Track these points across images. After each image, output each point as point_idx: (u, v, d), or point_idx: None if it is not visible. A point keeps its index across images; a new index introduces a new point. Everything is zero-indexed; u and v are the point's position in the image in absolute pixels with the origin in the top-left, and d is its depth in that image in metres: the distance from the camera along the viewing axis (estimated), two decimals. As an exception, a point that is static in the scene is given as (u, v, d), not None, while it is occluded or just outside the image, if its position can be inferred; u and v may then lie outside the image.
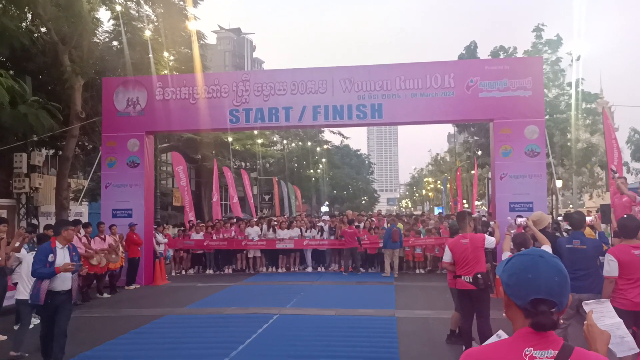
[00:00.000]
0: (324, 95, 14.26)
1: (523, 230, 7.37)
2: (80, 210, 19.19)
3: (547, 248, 6.05)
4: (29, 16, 17.42)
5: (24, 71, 16.63)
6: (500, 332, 1.92)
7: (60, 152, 19.72)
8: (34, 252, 7.02)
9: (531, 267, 1.64)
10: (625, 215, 6.39)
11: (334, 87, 14.24)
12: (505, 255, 6.17)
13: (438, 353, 7.17)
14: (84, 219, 18.72)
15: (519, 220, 7.37)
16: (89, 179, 18.06)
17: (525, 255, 1.71)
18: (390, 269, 15.54)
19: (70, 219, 15.48)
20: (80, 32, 16.63)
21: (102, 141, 15.19)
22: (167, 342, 7.87)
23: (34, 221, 18.80)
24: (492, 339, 1.84)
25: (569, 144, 26.29)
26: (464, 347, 6.77)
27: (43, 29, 17.36)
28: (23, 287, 7.80)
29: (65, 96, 17.41)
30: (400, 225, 16.78)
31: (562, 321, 1.55)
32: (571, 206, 37.69)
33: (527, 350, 1.57)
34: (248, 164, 43.37)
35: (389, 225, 16.56)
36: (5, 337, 8.34)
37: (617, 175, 11.53)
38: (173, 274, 16.83)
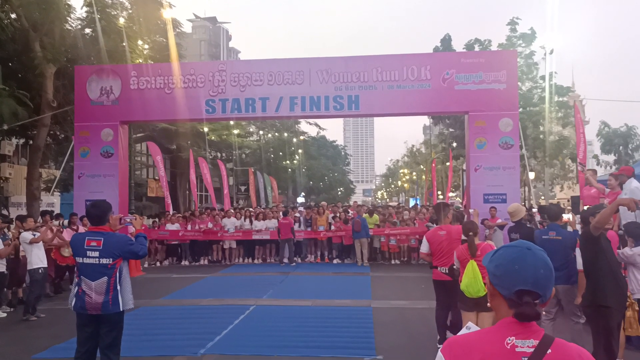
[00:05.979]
0: (301, 86, 14.22)
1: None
2: (52, 200, 18.83)
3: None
4: (-2, 2, 16.95)
5: (-7, 59, 16.21)
6: (470, 324, 1.95)
7: (31, 142, 19.30)
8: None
9: (518, 259, 1.69)
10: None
11: (311, 78, 14.21)
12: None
13: (413, 342, 7.26)
14: (56, 210, 18.36)
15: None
16: (61, 169, 17.72)
17: (513, 247, 1.75)
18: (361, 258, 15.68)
19: (42, 209, 15.20)
20: (52, 18, 16.24)
21: (74, 131, 14.91)
22: (143, 333, 7.80)
23: (4, 211, 18.43)
24: (463, 331, 1.87)
25: (541, 136, 26.71)
26: (438, 337, 6.87)
27: (13, 15, 16.88)
28: None
29: (36, 84, 17.02)
30: (374, 217, 16.90)
31: (544, 313, 1.59)
32: (543, 198, 38.41)
33: (510, 339, 1.61)
34: (224, 154, 43.05)
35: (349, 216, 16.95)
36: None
37: (586, 168, 11.81)
38: (146, 265, 16.64)
